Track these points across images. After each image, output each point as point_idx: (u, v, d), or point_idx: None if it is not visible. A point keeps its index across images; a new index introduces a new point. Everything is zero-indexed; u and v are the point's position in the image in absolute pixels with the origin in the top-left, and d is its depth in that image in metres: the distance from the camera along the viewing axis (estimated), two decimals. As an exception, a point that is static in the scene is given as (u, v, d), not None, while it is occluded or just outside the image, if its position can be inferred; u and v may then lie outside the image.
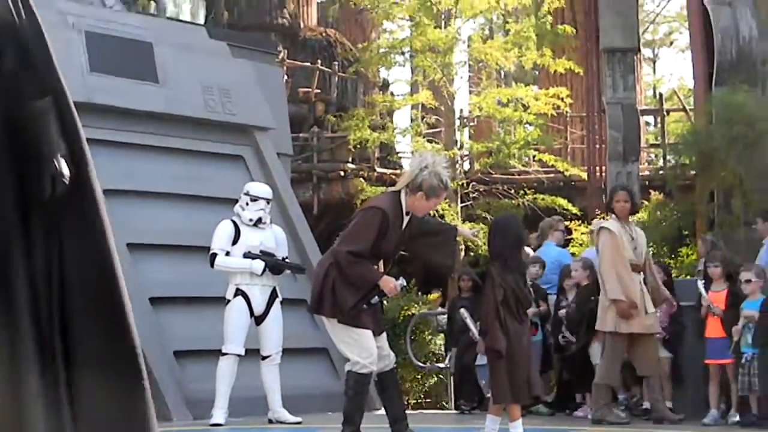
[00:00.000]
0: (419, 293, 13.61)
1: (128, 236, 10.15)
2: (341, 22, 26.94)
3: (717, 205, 12.65)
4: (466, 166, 19.94)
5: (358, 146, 19.59)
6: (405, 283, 7.02)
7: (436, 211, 13.80)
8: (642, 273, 9.19)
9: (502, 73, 25.62)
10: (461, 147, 19.22)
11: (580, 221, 17.40)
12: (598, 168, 18.29)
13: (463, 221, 16.88)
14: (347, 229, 6.84)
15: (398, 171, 19.98)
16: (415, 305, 14.30)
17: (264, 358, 9.07)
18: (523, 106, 18.89)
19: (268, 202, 9.26)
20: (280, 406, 9.13)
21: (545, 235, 11.55)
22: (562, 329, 10.17)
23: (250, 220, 9.10)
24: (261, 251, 9.03)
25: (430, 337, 14.13)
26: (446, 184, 6.83)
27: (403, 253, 7.20)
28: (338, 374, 10.11)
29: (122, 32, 11.42)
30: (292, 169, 15.53)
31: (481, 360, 9.38)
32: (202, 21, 20.52)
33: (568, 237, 12.75)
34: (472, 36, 21.02)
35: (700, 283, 9.36)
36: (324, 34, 25.18)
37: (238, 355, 8.94)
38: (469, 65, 20.22)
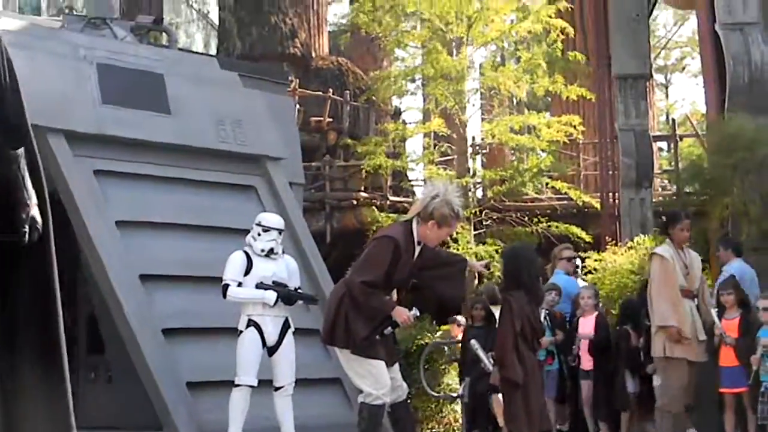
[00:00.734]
0: (433, 322, 13.54)
1: (141, 267, 10.15)
2: (353, 51, 27.00)
3: (728, 233, 12.57)
4: (479, 193, 19.87)
5: (371, 173, 19.55)
6: (418, 314, 6.96)
7: (450, 236, 13.73)
8: (695, 299, 9.16)
9: (515, 101, 25.59)
10: (474, 174, 19.17)
11: (593, 249, 17.29)
12: (611, 194, 18.21)
13: (476, 246, 16.82)
14: (359, 259, 6.81)
15: (411, 199, 19.92)
16: (429, 334, 14.22)
17: (277, 389, 9.01)
18: (536, 133, 18.85)
19: (280, 233, 9.23)
20: (293, 437, 9.08)
21: (554, 264, 11.57)
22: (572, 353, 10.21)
23: (262, 250, 9.08)
24: (273, 282, 9.00)
25: (444, 366, 14.04)
26: (458, 213, 6.78)
27: (414, 281, 7.16)
28: (351, 405, 10.03)
29: (134, 64, 11.43)
30: (305, 198, 15.50)
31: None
32: (214, 51, 20.60)
33: (582, 264, 12.67)
34: (483, 63, 21.01)
35: (714, 311, 9.30)
36: (336, 63, 25.24)
37: (251, 386, 8.89)
38: (481, 93, 20.20)
